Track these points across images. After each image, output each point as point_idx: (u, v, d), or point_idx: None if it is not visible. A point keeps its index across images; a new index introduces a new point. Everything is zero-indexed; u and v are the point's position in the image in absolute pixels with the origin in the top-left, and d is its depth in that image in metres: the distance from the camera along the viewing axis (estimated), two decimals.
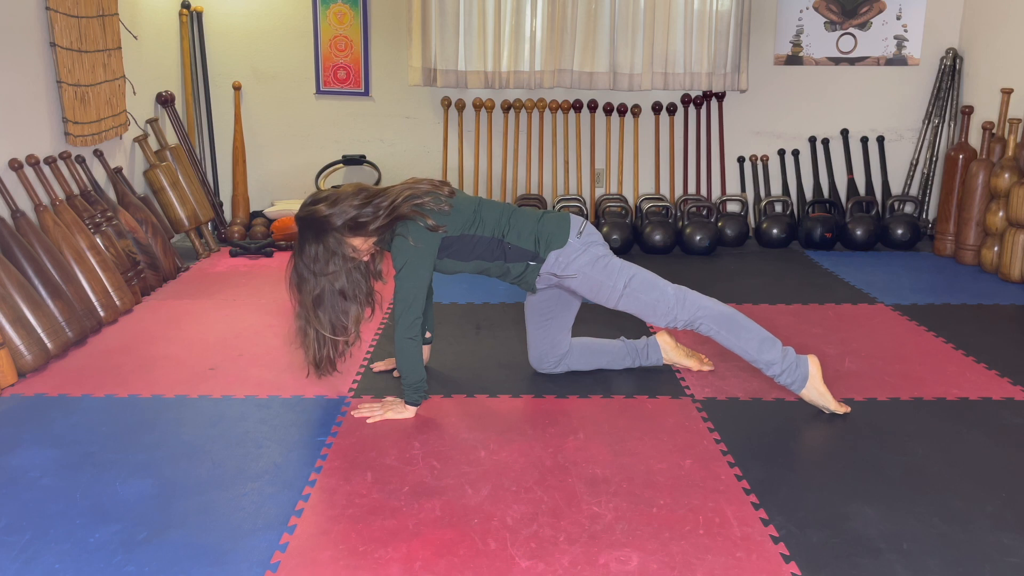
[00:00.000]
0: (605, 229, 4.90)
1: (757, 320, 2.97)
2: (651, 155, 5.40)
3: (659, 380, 3.01)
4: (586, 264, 2.69)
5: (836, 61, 5.32)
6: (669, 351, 3.09)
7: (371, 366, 3.13)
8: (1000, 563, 1.95)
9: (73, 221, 3.64)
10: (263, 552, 1.97)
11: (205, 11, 5.19)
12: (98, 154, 4.17)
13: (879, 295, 4.08)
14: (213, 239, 4.93)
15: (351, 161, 5.30)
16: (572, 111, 5.33)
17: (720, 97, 5.32)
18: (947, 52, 5.23)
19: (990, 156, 4.59)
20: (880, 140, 5.39)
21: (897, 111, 5.39)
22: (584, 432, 2.61)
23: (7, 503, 2.18)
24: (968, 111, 4.84)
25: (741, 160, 5.43)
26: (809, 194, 5.41)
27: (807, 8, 5.25)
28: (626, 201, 5.23)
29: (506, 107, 5.27)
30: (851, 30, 5.27)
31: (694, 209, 5.12)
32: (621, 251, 4.87)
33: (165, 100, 4.90)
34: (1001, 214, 4.36)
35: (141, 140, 4.58)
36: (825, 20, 5.27)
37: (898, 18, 5.25)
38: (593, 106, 5.30)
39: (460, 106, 5.29)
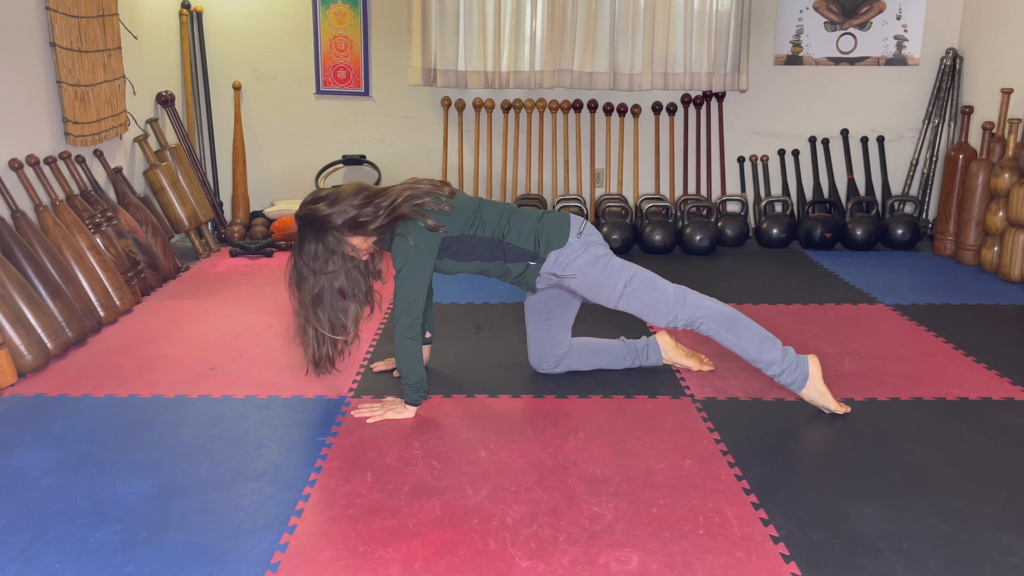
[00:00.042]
0: (605, 229, 4.90)
1: (757, 320, 2.97)
2: (651, 155, 5.40)
3: (659, 380, 3.01)
4: (586, 264, 2.69)
5: (836, 61, 5.32)
6: (669, 351, 3.09)
7: (371, 366, 3.13)
8: (1000, 563, 1.95)
9: (73, 221, 3.64)
10: (263, 552, 1.97)
11: (205, 11, 5.19)
12: (98, 154, 4.17)
13: (879, 295, 4.08)
14: (213, 239, 4.93)
15: (351, 161, 5.30)
16: (572, 111, 5.33)
17: (720, 97, 5.32)
18: (947, 52, 5.24)
19: (990, 156, 4.59)
20: (880, 140, 5.39)
21: (897, 111, 5.39)
22: (584, 432, 2.61)
23: (7, 503, 2.18)
24: (968, 111, 4.84)
25: (741, 160, 5.43)
26: (809, 194, 5.41)
27: (807, 8, 5.25)
28: (626, 201, 5.23)
29: (506, 107, 5.27)
30: (851, 30, 5.27)
31: (694, 209, 5.12)
32: (621, 251, 4.87)
33: (165, 100, 4.90)
34: (1001, 214, 4.36)
35: (141, 140, 4.58)
36: (825, 20, 5.27)
37: (898, 18, 5.25)
38: (593, 106, 5.30)
39: (460, 106, 5.29)
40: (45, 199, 3.68)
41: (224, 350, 3.31)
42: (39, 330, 3.11)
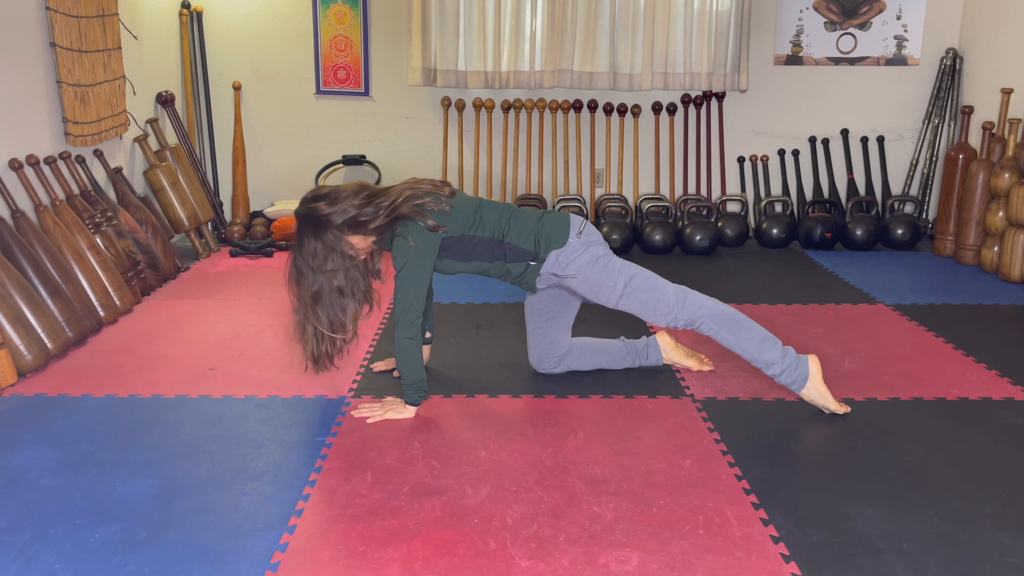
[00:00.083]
0: (605, 229, 4.90)
1: (757, 320, 2.97)
2: (651, 155, 5.40)
3: (659, 380, 3.01)
4: (586, 264, 2.69)
5: (836, 61, 5.32)
6: (669, 351, 3.09)
7: (371, 366, 3.13)
8: (1000, 563, 1.95)
9: (73, 221, 3.64)
10: (263, 552, 1.97)
11: (205, 11, 5.19)
12: (98, 154, 4.17)
13: (879, 295, 4.08)
14: (213, 239, 4.93)
15: (351, 161, 5.30)
16: (572, 111, 5.33)
17: (720, 97, 5.32)
18: (947, 52, 5.24)
19: (990, 156, 4.59)
20: (880, 140, 5.39)
21: (897, 111, 5.39)
22: (584, 432, 2.61)
23: (7, 503, 2.18)
24: (968, 111, 4.84)
25: (741, 160, 5.43)
26: (809, 194, 5.41)
27: (807, 8, 5.25)
28: (626, 201, 5.23)
29: (506, 107, 5.27)
30: (851, 30, 5.27)
31: (694, 209, 5.12)
32: (621, 251, 4.87)
33: (165, 100, 4.90)
34: (1001, 214, 4.36)
35: (141, 140, 4.58)
36: (825, 20, 5.27)
37: (898, 18, 5.25)
38: (593, 106, 5.30)
39: (460, 106, 5.29)
40: (45, 199, 3.68)
41: (224, 350, 3.31)
42: (39, 330, 3.11)
